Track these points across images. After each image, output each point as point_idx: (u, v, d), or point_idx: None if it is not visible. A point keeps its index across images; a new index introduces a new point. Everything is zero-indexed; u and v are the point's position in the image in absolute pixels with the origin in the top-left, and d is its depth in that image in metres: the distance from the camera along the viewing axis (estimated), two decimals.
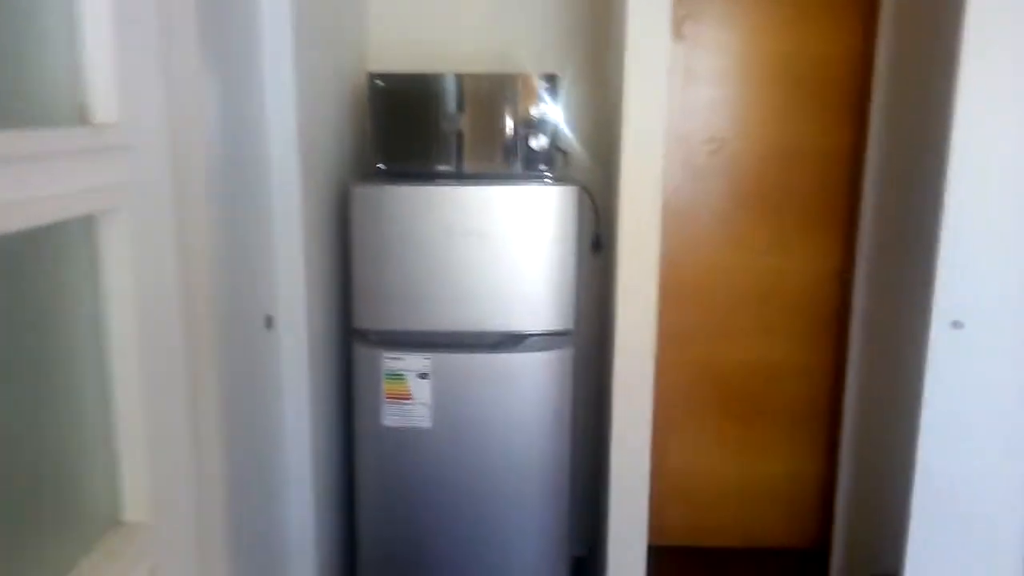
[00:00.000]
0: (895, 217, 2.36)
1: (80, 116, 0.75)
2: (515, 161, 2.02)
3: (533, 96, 2.00)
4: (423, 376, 1.96)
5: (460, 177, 2.00)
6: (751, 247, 2.64)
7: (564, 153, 2.25)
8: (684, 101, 2.55)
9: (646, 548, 2.12)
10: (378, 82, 1.98)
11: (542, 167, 2.01)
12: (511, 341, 1.95)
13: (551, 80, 2.01)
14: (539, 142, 2.01)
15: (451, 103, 2.00)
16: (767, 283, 2.65)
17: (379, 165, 2.02)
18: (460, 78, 2.01)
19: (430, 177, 1.99)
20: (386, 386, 1.96)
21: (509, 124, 2.02)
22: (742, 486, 2.78)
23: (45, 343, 0.74)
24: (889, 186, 2.37)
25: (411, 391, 1.96)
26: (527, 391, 1.97)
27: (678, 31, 2.49)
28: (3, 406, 0.69)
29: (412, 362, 1.96)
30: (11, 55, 0.67)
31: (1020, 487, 1.96)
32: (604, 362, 2.24)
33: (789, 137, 2.58)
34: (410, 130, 2.02)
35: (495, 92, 2.02)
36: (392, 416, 1.98)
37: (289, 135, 1.67)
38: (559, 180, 2.00)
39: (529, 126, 2.01)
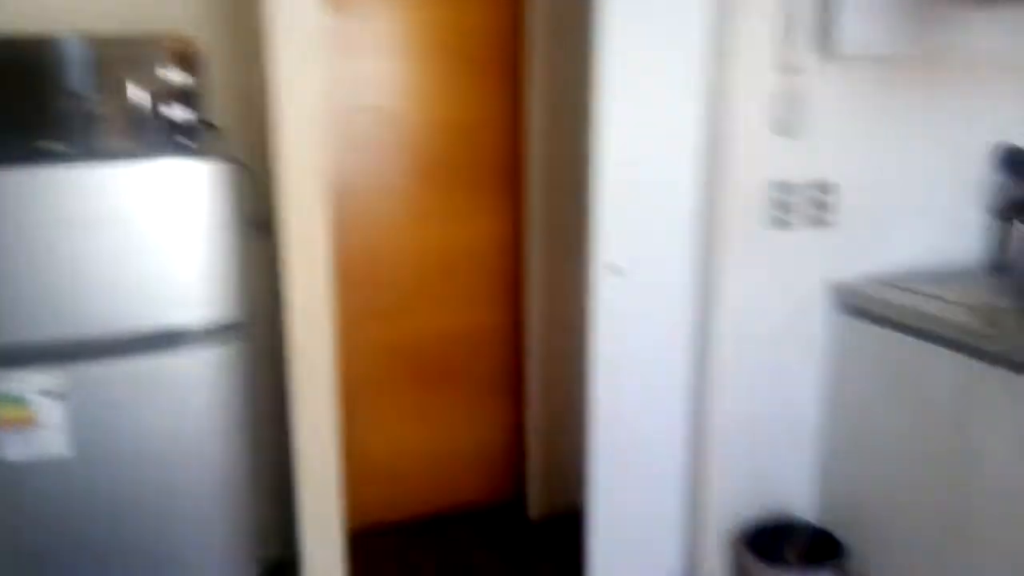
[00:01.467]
0: (558, 178, 2.49)
1: None
2: (151, 136, 1.74)
3: (174, 62, 1.73)
4: (51, 395, 1.61)
5: (83, 156, 1.67)
6: (427, 218, 2.61)
7: (214, 127, 1.99)
8: (346, 74, 2.42)
9: (342, 542, 2.01)
10: None
11: (185, 142, 1.75)
12: (165, 341, 1.69)
13: (192, 44, 1.75)
14: (180, 114, 1.75)
15: (67, 70, 1.65)
16: (446, 252, 2.65)
17: None
18: (77, 40, 1.67)
19: (43, 158, 1.62)
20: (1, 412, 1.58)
21: (142, 94, 1.72)
22: (441, 453, 2.80)
23: None
24: (551, 150, 2.50)
25: (37, 415, 1.61)
26: (191, 395, 1.72)
27: (337, 2, 2.35)
28: None
29: (35, 380, 1.60)
30: None
31: (680, 414, 2.19)
32: (278, 349, 2.06)
33: (455, 108, 2.58)
34: (13, 103, 1.64)
35: (123, 57, 1.71)
36: (14, 448, 1.61)
37: None
38: (207, 156, 1.76)
39: (167, 96, 1.73)
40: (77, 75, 1.66)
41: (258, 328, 2.09)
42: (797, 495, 2.27)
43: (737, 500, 2.22)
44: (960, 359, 1.78)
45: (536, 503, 2.81)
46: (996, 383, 1.70)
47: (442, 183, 2.61)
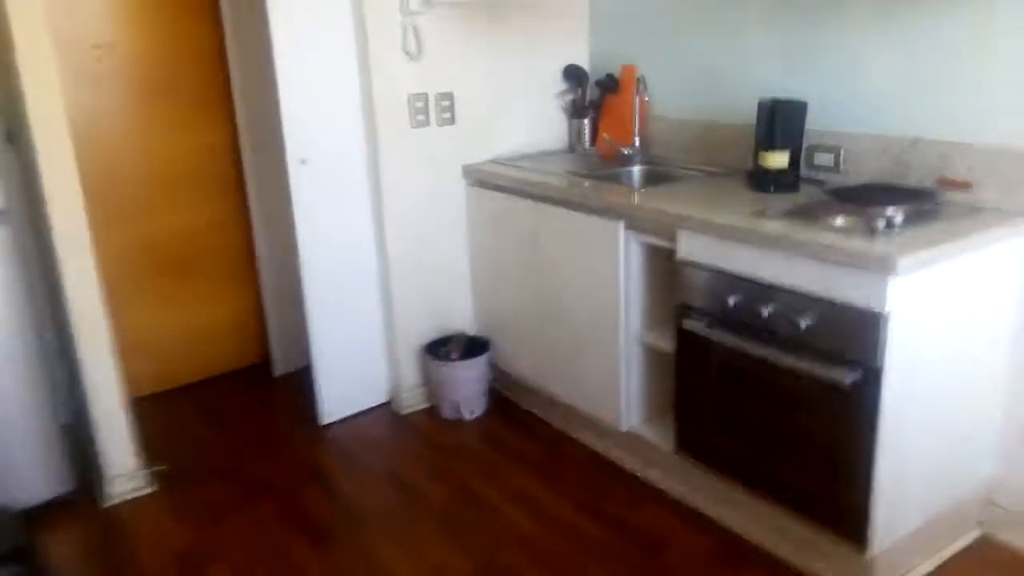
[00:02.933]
0: (255, 95, 3.20)
1: None
2: None
3: None
4: None
5: None
6: (156, 133, 3.21)
7: None
8: (66, 8, 2.92)
9: (124, 402, 2.60)
10: None
11: None
12: None
13: None
14: None
15: None
16: (175, 161, 3.27)
17: None
18: None
19: None
20: None
21: None
22: (191, 330, 3.45)
23: None
24: (246, 65, 3.19)
25: None
26: None
27: None
28: None
29: None
30: None
31: (371, 271, 3.03)
32: (44, 246, 2.59)
33: (168, 37, 3.17)
34: None
35: None
36: None
37: None
38: None
39: None
40: None
41: (22, 220, 2.60)
42: (459, 316, 3.24)
43: (419, 324, 3.13)
44: (537, 204, 2.78)
45: (279, 363, 3.58)
46: (557, 215, 2.71)
47: (166, 102, 3.21)
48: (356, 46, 2.80)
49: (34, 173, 2.39)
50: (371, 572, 2.25)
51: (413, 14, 2.80)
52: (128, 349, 2.78)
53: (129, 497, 2.63)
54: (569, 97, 3.22)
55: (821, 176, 2.41)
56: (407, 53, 2.82)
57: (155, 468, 2.73)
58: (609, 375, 2.60)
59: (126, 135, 3.15)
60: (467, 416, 3.07)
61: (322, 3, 2.71)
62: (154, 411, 3.19)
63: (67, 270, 2.42)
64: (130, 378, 2.67)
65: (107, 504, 2.60)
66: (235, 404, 3.31)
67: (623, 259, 2.44)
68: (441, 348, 3.09)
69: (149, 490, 2.68)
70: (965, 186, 2.10)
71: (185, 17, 3.18)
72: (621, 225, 2.42)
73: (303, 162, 2.78)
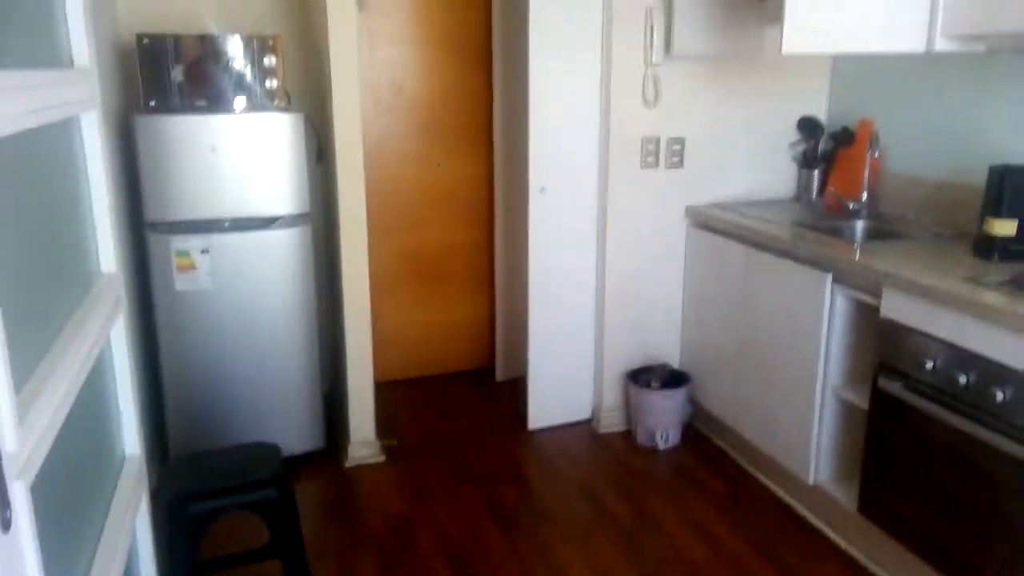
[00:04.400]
0: (513, 133, 3.62)
1: (69, 61, 1.55)
2: (254, 98, 2.89)
3: (266, 49, 2.86)
4: (204, 251, 2.79)
5: (215, 110, 2.82)
6: (427, 161, 3.77)
7: (288, 94, 3.14)
8: (372, 58, 3.56)
9: (373, 383, 3.09)
10: (145, 41, 2.72)
11: (276, 102, 2.90)
12: (267, 223, 2.86)
13: (275, 40, 2.89)
14: (271, 84, 2.89)
15: (203, 55, 2.80)
16: (440, 186, 3.80)
17: (150, 103, 2.77)
18: (210, 37, 2.81)
19: (192, 110, 2.79)
20: (176, 260, 2.77)
21: (249, 71, 2.86)
22: (435, 331, 3.96)
23: (54, 183, 1.51)
24: (508, 113, 3.63)
25: (196, 263, 2.79)
26: (280, 258, 2.90)
27: (360, 3, 3.47)
28: (43, 213, 1.46)
29: (195, 242, 2.78)
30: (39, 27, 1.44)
31: (589, 295, 3.31)
32: (332, 245, 3.20)
33: (446, 81, 3.72)
34: (172, 77, 2.78)
35: (236, 47, 2.84)
36: (182, 283, 2.80)
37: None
38: (288, 110, 2.91)
39: (264, 72, 2.87)
40: (222, 59, 2.82)
41: (317, 222, 3.24)
42: (665, 347, 3.40)
43: (626, 351, 3.35)
44: (750, 249, 2.88)
45: (501, 369, 3.97)
46: (767, 262, 2.79)
47: (438, 136, 3.76)
48: (600, 92, 3.11)
49: (333, 185, 2.98)
50: (545, 564, 2.50)
51: (655, 66, 3.05)
52: (381, 339, 3.31)
53: (365, 463, 3.13)
54: (801, 148, 3.26)
55: None
56: (645, 99, 3.08)
57: (388, 442, 3.21)
58: (802, 425, 2.62)
59: (405, 159, 3.74)
60: (660, 444, 3.21)
61: (578, 55, 3.06)
62: (394, 394, 3.72)
63: (346, 266, 2.97)
64: (379, 364, 3.17)
65: (347, 465, 3.11)
66: (460, 399, 3.75)
67: (828, 311, 2.47)
68: (643, 376, 3.27)
69: (382, 459, 3.16)
70: None
71: (463, 67, 3.72)
72: (829, 277, 2.45)
73: (542, 190, 3.14)
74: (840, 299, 2.46)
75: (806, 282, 2.55)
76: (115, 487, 1.76)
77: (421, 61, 3.66)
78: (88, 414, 1.58)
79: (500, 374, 3.97)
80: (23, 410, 1.06)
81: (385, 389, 3.46)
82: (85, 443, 1.55)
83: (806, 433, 2.60)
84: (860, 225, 2.92)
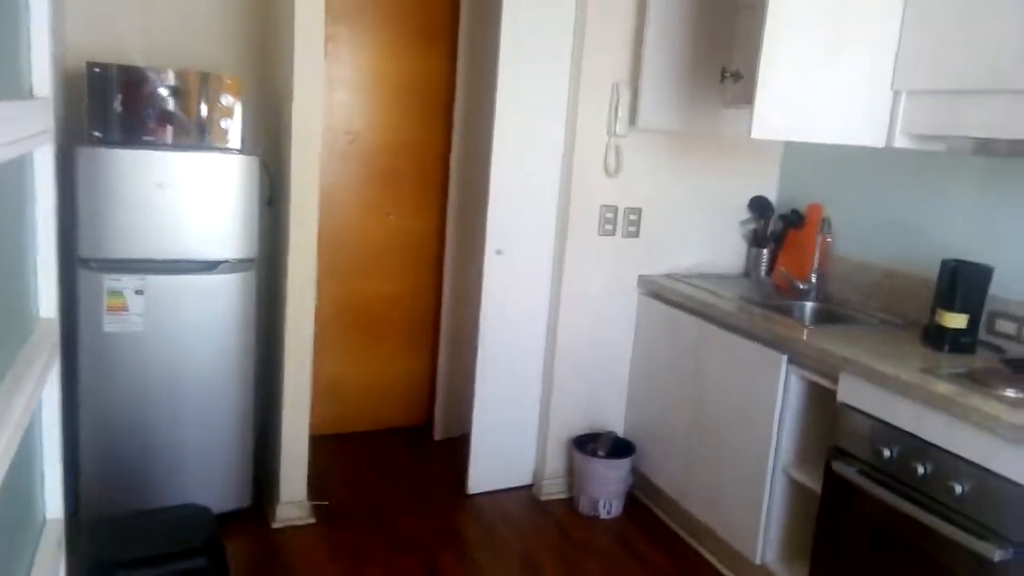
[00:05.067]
0: (468, 190, 3.58)
1: (29, 91, 1.42)
2: (207, 137, 2.76)
3: (223, 89, 2.75)
4: (139, 292, 2.62)
5: (165, 146, 2.68)
6: (378, 210, 3.68)
7: (242, 134, 3.02)
8: (329, 103, 3.49)
9: (308, 435, 2.96)
10: (96, 69, 2.57)
11: (229, 143, 2.78)
12: (209, 266, 2.71)
13: (234, 81, 2.78)
14: (226, 124, 2.78)
15: (157, 89, 2.67)
16: (390, 236, 3.72)
17: (95, 133, 2.61)
18: (164, 71, 2.68)
19: (140, 145, 2.64)
20: (108, 300, 2.58)
21: (204, 109, 2.74)
22: (373, 384, 3.83)
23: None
24: (465, 171, 3.60)
25: (128, 304, 2.61)
26: (221, 303, 2.74)
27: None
28: None
29: (129, 282, 2.60)
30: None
31: (538, 360, 3.27)
32: (277, 291, 3.06)
33: (403, 131, 3.67)
34: (120, 107, 2.64)
35: (192, 84, 2.72)
36: (112, 324, 2.60)
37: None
38: (243, 152, 2.79)
39: (220, 112, 2.76)
40: (173, 95, 2.69)
41: (263, 267, 3.09)
42: (611, 416, 3.37)
43: (572, 417, 3.30)
44: (703, 323, 2.90)
45: (440, 428, 3.86)
46: (721, 337, 2.82)
47: (391, 185, 3.69)
48: (563, 159, 3.12)
49: (283, 231, 2.86)
50: None
51: (618, 136, 3.08)
52: (316, 390, 3.16)
53: (295, 524, 2.95)
54: (752, 226, 3.35)
55: (1000, 343, 2.35)
56: (606, 169, 3.10)
57: (319, 503, 3.04)
58: (751, 504, 2.61)
59: (354, 208, 3.64)
60: (603, 514, 3.15)
61: (540, 120, 3.07)
62: (326, 449, 3.55)
63: (291, 314, 2.84)
64: (312, 416, 3.01)
65: (275, 526, 2.92)
66: (396, 458, 3.61)
67: (782, 391, 2.50)
68: (589, 444, 3.22)
69: (312, 520, 2.98)
70: None
71: (423, 117, 3.68)
72: (784, 358, 2.48)
73: (499, 252, 3.10)
74: (794, 380, 2.49)
75: (761, 361, 2.57)
76: (35, 553, 1.57)
77: (379, 109, 3.61)
78: (13, 474, 1.42)
79: (439, 433, 3.85)
80: None
81: (317, 443, 3.29)
82: (11, 505, 1.39)
83: (755, 511, 2.60)
84: (809, 307, 2.99)
